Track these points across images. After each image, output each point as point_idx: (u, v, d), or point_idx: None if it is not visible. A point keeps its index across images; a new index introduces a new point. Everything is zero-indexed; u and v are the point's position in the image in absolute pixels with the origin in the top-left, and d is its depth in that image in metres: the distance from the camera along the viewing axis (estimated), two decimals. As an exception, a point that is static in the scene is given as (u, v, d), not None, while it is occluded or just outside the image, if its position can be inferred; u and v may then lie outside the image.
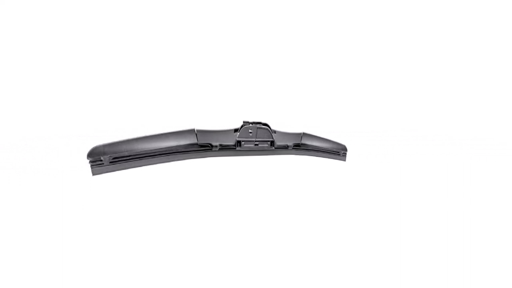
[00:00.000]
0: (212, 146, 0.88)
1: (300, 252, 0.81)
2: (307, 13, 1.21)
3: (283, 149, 1.05)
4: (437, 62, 1.17)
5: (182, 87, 1.20)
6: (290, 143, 1.04)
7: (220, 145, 0.89)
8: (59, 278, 0.73)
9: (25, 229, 0.86)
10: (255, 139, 0.95)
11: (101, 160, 0.77)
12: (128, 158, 0.78)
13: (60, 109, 1.11)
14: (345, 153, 1.20)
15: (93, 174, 0.76)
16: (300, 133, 1.06)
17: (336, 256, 0.81)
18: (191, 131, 0.84)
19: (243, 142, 0.94)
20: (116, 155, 0.77)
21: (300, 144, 1.07)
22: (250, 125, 0.94)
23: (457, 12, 1.12)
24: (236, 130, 0.93)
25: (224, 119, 1.03)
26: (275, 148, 1.00)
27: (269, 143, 0.98)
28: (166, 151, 0.82)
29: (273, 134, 0.97)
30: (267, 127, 0.96)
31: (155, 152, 0.81)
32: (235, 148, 0.93)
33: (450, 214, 0.78)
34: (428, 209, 0.85)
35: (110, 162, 0.77)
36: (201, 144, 0.86)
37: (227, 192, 0.90)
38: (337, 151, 1.18)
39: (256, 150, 0.98)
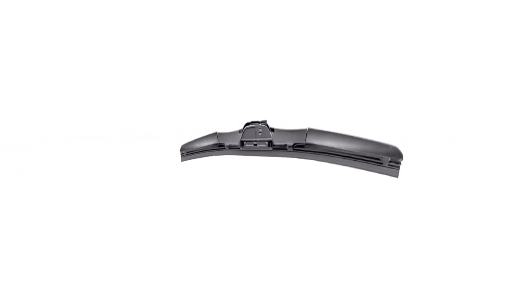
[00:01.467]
0: (224, 146, 0.98)
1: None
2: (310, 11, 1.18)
3: (282, 150, 0.89)
4: (439, 61, 1.15)
5: (183, 86, 1.20)
6: (289, 143, 0.86)
7: (229, 145, 0.97)
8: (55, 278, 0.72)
9: (25, 228, 0.86)
10: (255, 139, 0.94)
11: (183, 153, 1.05)
12: (191, 152, 1.03)
13: (60, 109, 1.11)
14: (398, 163, 0.73)
15: (182, 161, 1.06)
16: (304, 130, 0.83)
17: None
18: (214, 134, 0.98)
19: (245, 142, 0.94)
20: (188, 151, 1.04)
21: (305, 145, 0.84)
22: (251, 125, 0.93)
23: (461, 12, 1.11)
24: (240, 131, 0.95)
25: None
26: (273, 148, 0.90)
27: (267, 143, 0.90)
28: (202, 149, 1.01)
29: (270, 133, 0.88)
30: (264, 125, 0.89)
31: (200, 150, 1.01)
32: (239, 148, 0.95)
33: (450, 215, 0.77)
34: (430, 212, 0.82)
35: (186, 155, 1.05)
36: (219, 144, 0.99)
37: (222, 191, 0.89)
38: (376, 158, 0.74)
39: (255, 151, 0.96)
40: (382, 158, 0.73)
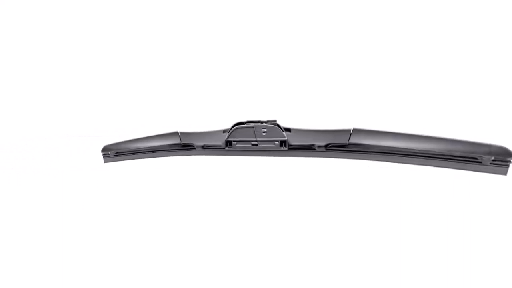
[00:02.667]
0: (195, 146, 0.96)
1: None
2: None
3: (306, 150, 0.89)
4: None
5: (184, 86, 1.18)
6: (320, 143, 0.86)
7: (205, 145, 0.96)
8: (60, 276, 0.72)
9: (25, 228, 0.86)
10: (254, 139, 0.93)
11: (109, 154, 1.06)
12: (124, 153, 1.05)
13: (60, 109, 1.11)
14: (507, 162, 0.73)
15: (104, 162, 1.07)
16: (348, 130, 0.83)
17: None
18: (174, 133, 0.99)
19: (234, 142, 0.92)
20: (117, 151, 1.05)
21: (348, 145, 0.84)
22: (244, 125, 0.89)
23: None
24: (225, 131, 0.93)
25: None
26: (289, 149, 0.89)
27: (278, 142, 0.89)
28: (154, 149, 1.02)
29: (285, 133, 0.88)
30: (273, 124, 0.88)
31: (145, 150, 1.03)
32: (224, 148, 0.93)
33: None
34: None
35: (114, 155, 1.06)
36: (184, 144, 0.98)
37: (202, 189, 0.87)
38: (472, 157, 0.74)
39: (258, 151, 0.91)
40: (482, 157, 0.74)
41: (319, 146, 0.86)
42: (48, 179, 0.99)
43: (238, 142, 0.92)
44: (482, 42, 1.02)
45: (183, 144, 0.98)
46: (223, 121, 0.95)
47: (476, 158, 0.75)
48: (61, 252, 0.75)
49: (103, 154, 1.05)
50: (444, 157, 0.77)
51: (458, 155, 0.76)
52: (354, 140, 0.82)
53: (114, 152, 1.04)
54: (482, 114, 1.01)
